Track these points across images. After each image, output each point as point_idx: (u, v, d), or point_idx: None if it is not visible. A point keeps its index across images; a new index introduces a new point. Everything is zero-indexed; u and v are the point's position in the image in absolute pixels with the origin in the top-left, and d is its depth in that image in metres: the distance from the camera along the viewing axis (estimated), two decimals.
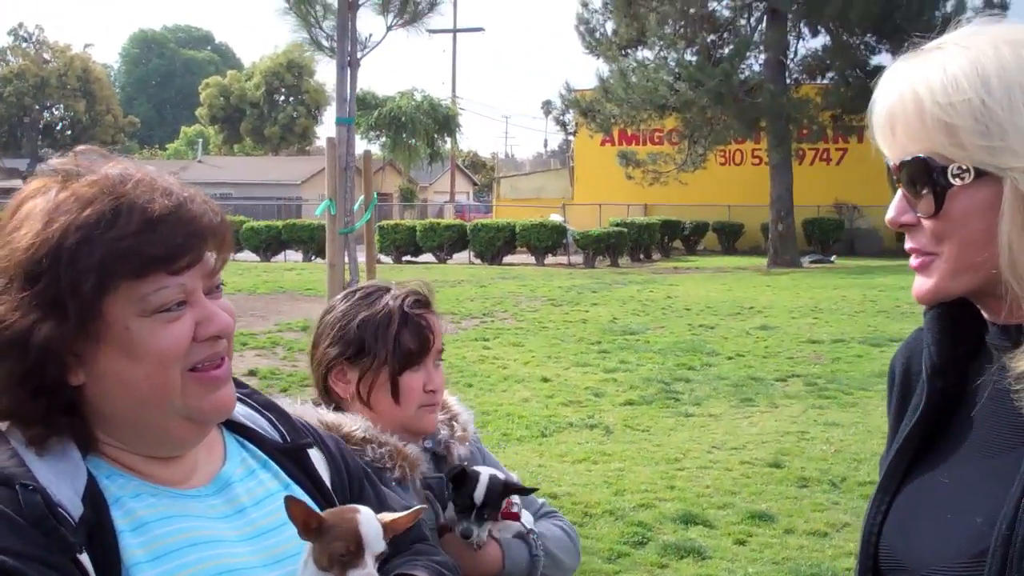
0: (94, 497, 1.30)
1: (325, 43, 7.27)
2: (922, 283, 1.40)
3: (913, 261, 1.41)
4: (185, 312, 1.37)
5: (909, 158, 1.34)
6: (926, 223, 1.36)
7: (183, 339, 1.36)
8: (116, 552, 1.29)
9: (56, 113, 78.31)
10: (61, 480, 1.28)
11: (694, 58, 33.89)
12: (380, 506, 1.68)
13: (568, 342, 15.69)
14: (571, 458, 8.75)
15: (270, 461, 1.60)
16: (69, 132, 77.75)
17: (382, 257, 36.85)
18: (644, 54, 36.04)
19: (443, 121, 51.17)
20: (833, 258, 37.55)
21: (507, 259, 36.56)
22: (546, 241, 35.71)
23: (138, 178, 1.36)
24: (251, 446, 1.61)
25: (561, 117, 44.69)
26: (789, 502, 7.46)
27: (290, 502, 1.42)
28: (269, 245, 38.59)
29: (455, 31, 62.54)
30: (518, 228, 36.10)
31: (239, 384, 1.66)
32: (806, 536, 6.72)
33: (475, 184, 79.64)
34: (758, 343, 15.58)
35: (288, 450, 1.63)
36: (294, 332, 16.34)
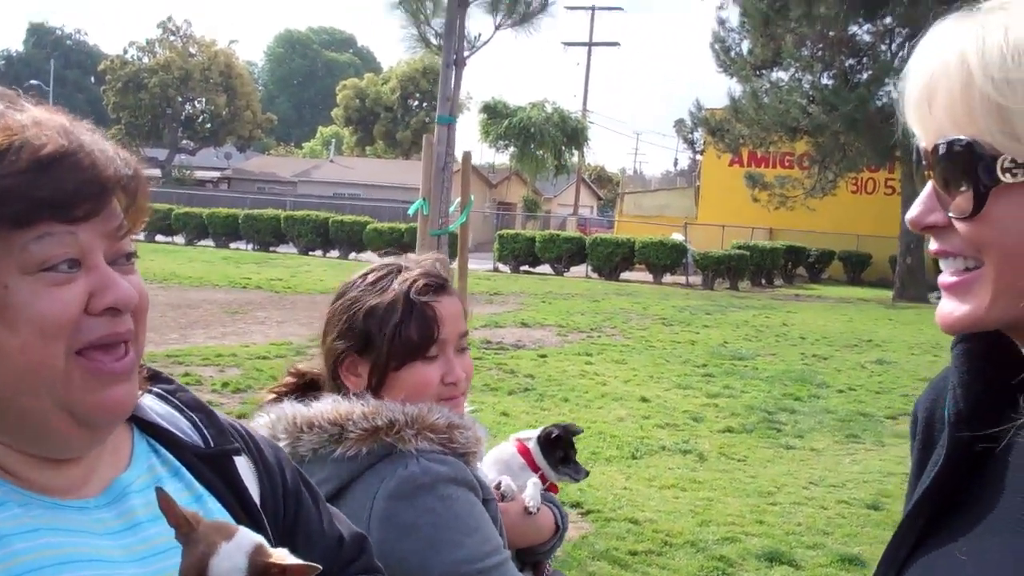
0: None
1: (433, 40, 7.19)
2: (953, 307, 1.09)
3: (948, 277, 1.09)
4: (78, 276, 1.15)
5: (945, 142, 1.05)
6: (960, 226, 1.07)
7: (69, 306, 1.14)
8: None
9: (197, 106, 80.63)
10: None
11: (830, 82, 33.06)
12: (321, 525, 1.45)
13: (673, 363, 15.33)
14: (659, 483, 8.45)
15: (183, 469, 1.36)
16: (208, 125, 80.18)
17: (500, 266, 36.94)
18: (779, 75, 35.40)
19: (572, 134, 51.25)
20: None
21: (624, 275, 36.10)
22: (665, 259, 35.14)
23: (42, 120, 1.16)
24: (164, 451, 1.37)
25: (689, 135, 44.12)
26: (883, 547, 7.04)
27: (161, 495, 1.17)
28: (391, 247, 38.85)
29: (590, 44, 62.62)
30: (637, 245, 35.63)
31: (163, 379, 1.44)
32: None
33: (600, 199, 79.33)
34: (872, 378, 14.97)
35: (209, 456, 1.38)
36: None
